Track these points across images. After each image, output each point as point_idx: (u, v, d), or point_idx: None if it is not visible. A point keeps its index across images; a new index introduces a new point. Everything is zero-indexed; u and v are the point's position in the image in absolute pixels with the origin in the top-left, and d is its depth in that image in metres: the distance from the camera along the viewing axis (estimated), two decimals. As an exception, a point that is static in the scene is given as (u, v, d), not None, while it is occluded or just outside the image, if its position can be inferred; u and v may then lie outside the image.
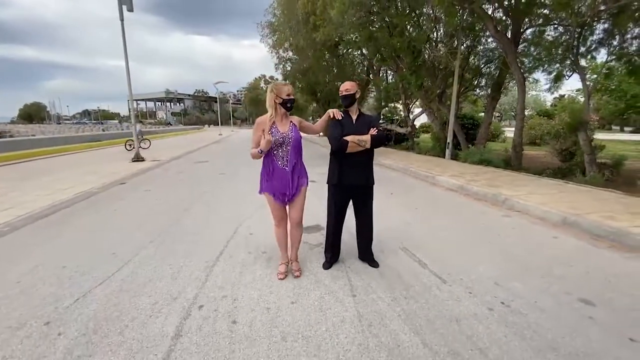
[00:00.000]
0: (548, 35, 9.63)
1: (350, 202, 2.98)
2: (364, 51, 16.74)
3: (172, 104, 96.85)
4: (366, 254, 3.11)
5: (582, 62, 8.87)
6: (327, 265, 3.02)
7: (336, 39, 14.10)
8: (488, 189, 5.95)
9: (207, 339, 2.06)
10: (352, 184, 2.83)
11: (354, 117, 2.82)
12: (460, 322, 2.22)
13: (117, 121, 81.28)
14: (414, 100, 15.71)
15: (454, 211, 5.11)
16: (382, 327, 2.17)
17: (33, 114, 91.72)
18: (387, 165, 10.20)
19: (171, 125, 67.93)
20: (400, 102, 15.76)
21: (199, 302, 2.47)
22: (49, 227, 4.29)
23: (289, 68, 23.64)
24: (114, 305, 2.43)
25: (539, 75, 11.80)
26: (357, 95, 2.84)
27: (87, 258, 3.27)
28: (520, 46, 10.08)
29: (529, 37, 10.00)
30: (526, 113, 32.39)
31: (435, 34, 11.56)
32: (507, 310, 2.35)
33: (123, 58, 10.19)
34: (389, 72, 17.81)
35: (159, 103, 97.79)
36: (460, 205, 5.53)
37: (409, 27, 10.98)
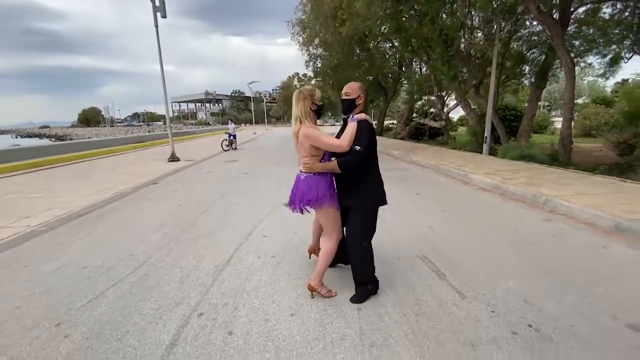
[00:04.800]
0: (604, 13, 8.54)
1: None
2: (395, 43, 16.14)
3: (211, 104, 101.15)
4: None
5: (646, 42, 7.73)
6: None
7: (364, 33, 13.68)
8: (527, 189, 5.39)
9: (199, 351, 2.00)
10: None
11: None
12: (476, 347, 1.96)
13: (161, 123, 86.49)
14: (449, 93, 14.84)
15: (485, 214, 4.68)
16: (385, 347, 1.97)
17: (90, 118, 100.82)
18: (417, 162, 9.73)
19: (210, 125, 70.96)
20: (434, 94, 14.95)
21: (199, 310, 2.43)
22: (81, 227, 4.56)
23: (319, 65, 23.54)
24: (120, 309, 2.47)
25: (593, 59, 10.53)
26: (360, 101, 2.43)
27: (107, 259, 3.40)
28: (570, 27, 9.05)
29: (581, 16, 8.93)
30: (580, 101, 29.41)
31: (470, 20, 10.75)
32: (534, 336, 2.04)
33: (168, 62, 10.68)
34: (422, 63, 17.01)
35: (199, 104, 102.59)
36: (493, 207, 5.06)
37: (440, 14, 10.30)
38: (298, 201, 2.43)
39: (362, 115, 2.39)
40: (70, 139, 41.75)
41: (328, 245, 2.49)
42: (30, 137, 72.58)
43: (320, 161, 2.41)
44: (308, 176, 2.40)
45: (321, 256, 2.51)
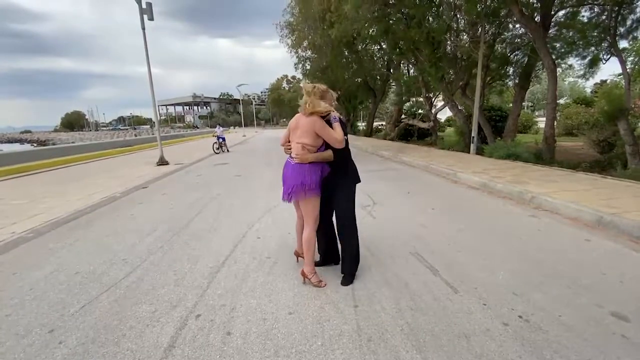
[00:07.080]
0: (582, 16, 8.87)
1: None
2: (383, 45, 16.34)
3: (199, 107, 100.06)
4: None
5: (624, 44, 8.09)
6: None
7: (353, 35, 13.82)
8: (513, 186, 5.55)
9: (198, 352, 2.00)
10: None
11: None
12: (469, 338, 2.03)
13: (148, 126, 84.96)
14: (437, 94, 15.11)
15: (474, 211, 4.80)
16: (382, 342, 2.02)
17: (73, 122, 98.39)
18: (407, 162, 9.87)
19: (198, 128, 70.19)
20: (422, 96, 15.20)
21: (197, 311, 2.43)
22: (71, 232, 4.47)
23: (308, 67, 23.65)
24: (116, 313, 2.45)
25: (573, 60, 10.92)
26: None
27: (99, 264, 3.35)
28: (551, 30, 9.36)
29: (561, 19, 9.25)
30: (562, 101, 30.32)
31: (456, 23, 10.99)
32: (524, 326, 2.12)
33: (154, 65, 10.56)
34: (410, 65, 17.26)
35: (187, 107, 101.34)
36: (481, 204, 5.19)
37: (427, 17, 10.51)
38: (287, 186, 2.61)
39: (337, 114, 2.74)
40: (54, 144, 40.70)
41: (307, 233, 2.67)
42: (11, 142, 70.25)
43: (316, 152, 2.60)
44: (300, 164, 2.56)
45: (304, 245, 2.69)
